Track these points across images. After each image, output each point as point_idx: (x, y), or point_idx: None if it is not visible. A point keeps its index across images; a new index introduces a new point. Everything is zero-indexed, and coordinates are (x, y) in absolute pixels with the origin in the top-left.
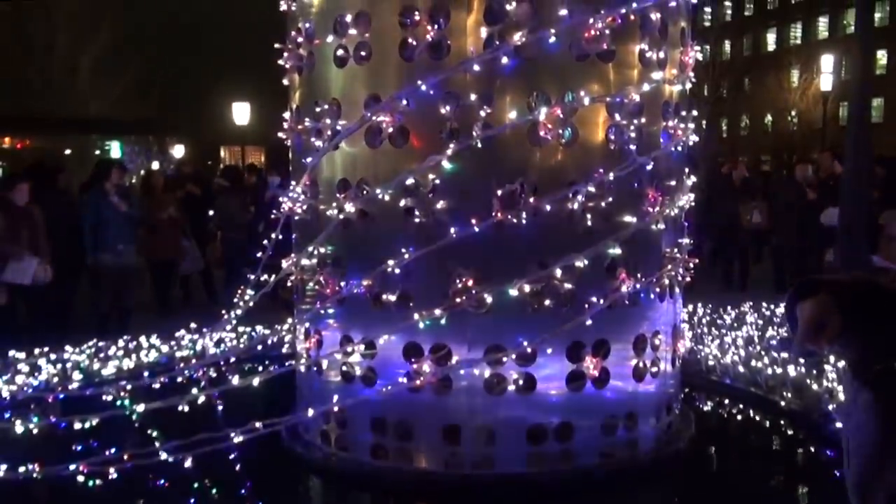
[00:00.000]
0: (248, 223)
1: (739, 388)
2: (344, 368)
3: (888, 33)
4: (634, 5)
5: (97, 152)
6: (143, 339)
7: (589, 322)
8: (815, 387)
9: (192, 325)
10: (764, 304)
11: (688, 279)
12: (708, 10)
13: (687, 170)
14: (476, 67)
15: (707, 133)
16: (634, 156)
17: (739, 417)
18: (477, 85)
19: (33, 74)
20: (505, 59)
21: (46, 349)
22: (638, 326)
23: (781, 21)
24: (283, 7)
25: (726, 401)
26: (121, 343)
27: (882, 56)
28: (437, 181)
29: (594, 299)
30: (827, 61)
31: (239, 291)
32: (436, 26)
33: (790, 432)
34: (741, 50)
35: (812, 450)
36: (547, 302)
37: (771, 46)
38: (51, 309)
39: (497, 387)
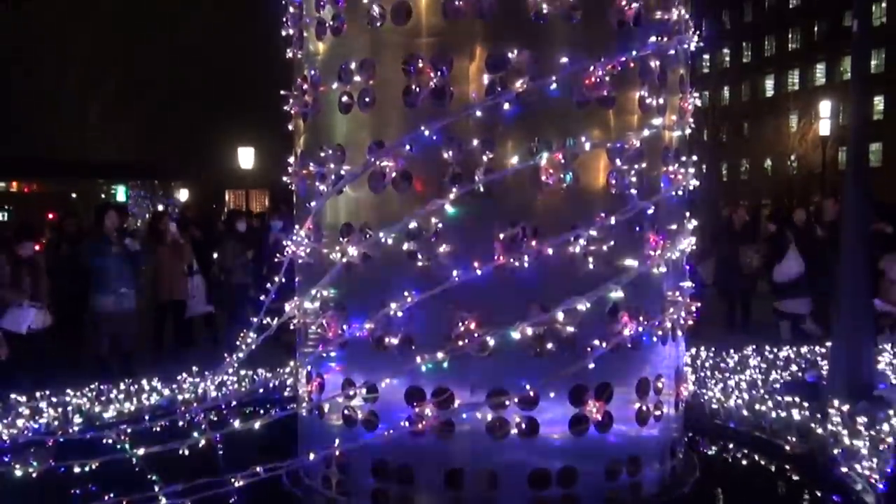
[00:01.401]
0: (247, 267)
1: (743, 432)
2: (346, 412)
3: (884, 79)
4: (634, 53)
5: (102, 196)
6: (144, 381)
7: (591, 365)
8: (820, 430)
9: (194, 368)
10: (767, 348)
11: (690, 322)
12: (706, 56)
13: (688, 214)
14: (478, 113)
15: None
16: (635, 200)
17: (744, 462)
18: (479, 130)
19: (43, 119)
20: (507, 106)
21: (47, 392)
22: (640, 370)
23: (779, 67)
24: (290, 55)
25: (730, 445)
26: (122, 386)
27: (879, 102)
28: (440, 225)
29: (596, 342)
30: (825, 107)
31: (241, 334)
32: (439, 73)
33: (795, 477)
34: (740, 95)
35: (818, 495)
36: (549, 345)
37: (769, 92)
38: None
39: (499, 431)
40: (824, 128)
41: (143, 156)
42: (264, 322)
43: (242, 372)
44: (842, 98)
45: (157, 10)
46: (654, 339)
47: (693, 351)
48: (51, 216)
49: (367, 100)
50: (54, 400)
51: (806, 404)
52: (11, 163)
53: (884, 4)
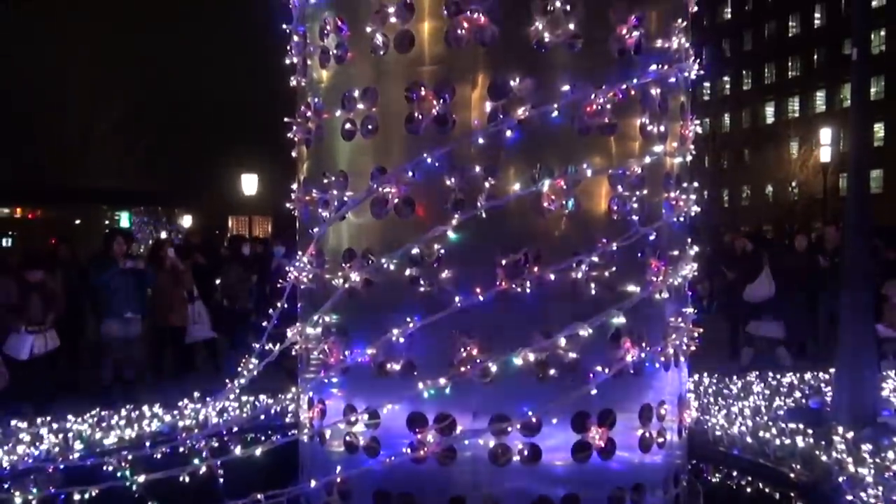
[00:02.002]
0: (250, 292)
1: (747, 459)
2: (347, 438)
3: (884, 107)
4: (635, 81)
5: (106, 222)
6: (145, 407)
7: (594, 391)
8: (824, 458)
9: (195, 394)
10: (770, 374)
11: (692, 348)
12: (707, 84)
13: (689, 240)
14: (480, 140)
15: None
16: (637, 226)
17: (748, 489)
18: (481, 157)
19: (47, 147)
20: (509, 133)
21: (48, 418)
22: (643, 396)
23: (779, 95)
24: (293, 83)
25: (734, 472)
26: (123, 412)
27: (879, 129)
28: (442, 251)
29: (599, 368)
30: (825, 134)
31: (243, 360)
32: (441, 100)
33: None
34: (741, 122)
35: None
36: (552, 371)
37: (770, 119)
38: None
39: (502, 457)
40: (825, 154)
41: (146, 182)
42: (266, 347)
43: (244, 398)
44: (842, 125)
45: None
46: (657, 364)
47: (696, 377)
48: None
49: (370, 127)
50: (55, 426)
51: (810, 431)
52: (16, 189)
53: (882, 33)
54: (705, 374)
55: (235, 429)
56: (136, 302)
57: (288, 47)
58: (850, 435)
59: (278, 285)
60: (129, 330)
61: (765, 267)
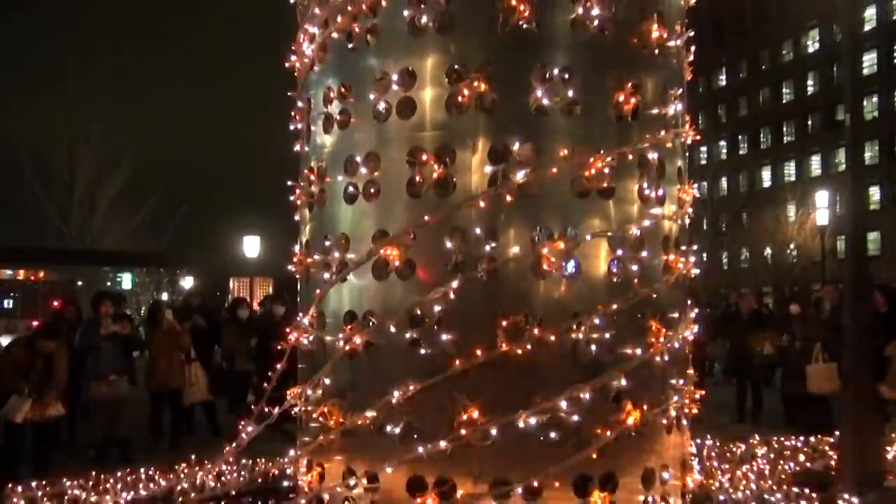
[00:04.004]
0: (250, 353)
1: None
2: (346, 502)
3: (879, 170)
4: (632, 146)
5: (108, 283)
6: (141, 470)
7: (595, 455)
8: None
9: (193, 457)
10: (775, 438)
11: (695, 410)
12: (703, 149)
13: (689, 302)
14: (481, 203)
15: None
16: (637, 288)
17: None
18: (482, 220)
19: (52, 210)
20: (508, 196)
21: (43, 482)
22: (645, 459)
23: (775, 159)
24: (297, 148)
25: None
26: (119, 475)
27: (875, 192)
28: (443, 313)
29: (600, 431)
30: (822, 197)
31: (241, 423)
32: (442, 165)
33: None
34: (738, 186)
35: None
36: (553, 434)
37: (766, 183)
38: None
39: None
40: (822, 217)
41: (149, 243)
42: (265, 410)
43: (242, 461)
44: (838, 188)
45: (169, 105)
46: (659, 427)
47: (700, 440)
48: (56, 304)
49: (371, 191)
50: (49, 489)
51: (815, 496)
52: (18, 252)
53: (875, 99)
54: (708, 437)
55: (233, 492)
56: (122, 364)
57: (292, 113)
58: (855, 500)
59: (278, 347)
60: (115, 392)
61: None
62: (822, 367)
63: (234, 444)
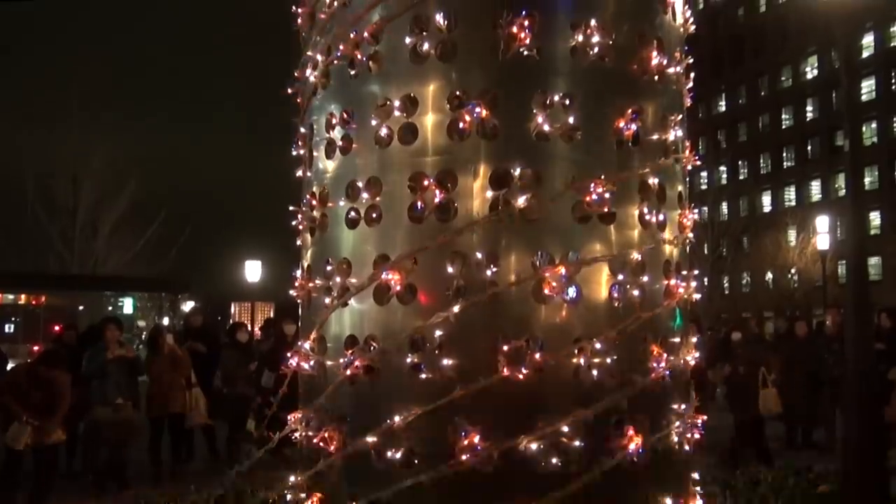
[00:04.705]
0: (250, 378)
1: None
2: None
3: (879, 195)
4: (633, 171)
5: (110, 308)
6: (140, 496)
7: (597, 480)
8: None
9: (192, 486)
10: (777, 465)
11: (697, 436)
12: (704, 174)
13: (691, 327)
14: (482, 228)
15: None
16: (638, 313)
17: None
18: (483, 245)
19: (55, 234)
20: (510, 222)
21: None
22: (648, 486)
23: (775, 184)
24: (299, 174)
25: None
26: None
27: (875, 217)
28: (444, 338)
29: (602, 457)
30: (822, 222)
31: (241, 448)
32: (444, 190)
33: None
34: (738, 211)
35: None
36: (554, 460)
37: (767, 208)
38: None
39: None
40: (823, 242)
41: (151, 268)
42: (265, 434)
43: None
44: (838, 213)
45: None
46: (661, 453)
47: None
48: (57, 328)
49: (373, 215)
50: None
51: None
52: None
53: (874, 125)
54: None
55: None
56: (127, 388)
57: (295, 139)
58: None
59: (280, 372)
60: (119, 415)
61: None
62: (771, 392)
63: (234, 469)
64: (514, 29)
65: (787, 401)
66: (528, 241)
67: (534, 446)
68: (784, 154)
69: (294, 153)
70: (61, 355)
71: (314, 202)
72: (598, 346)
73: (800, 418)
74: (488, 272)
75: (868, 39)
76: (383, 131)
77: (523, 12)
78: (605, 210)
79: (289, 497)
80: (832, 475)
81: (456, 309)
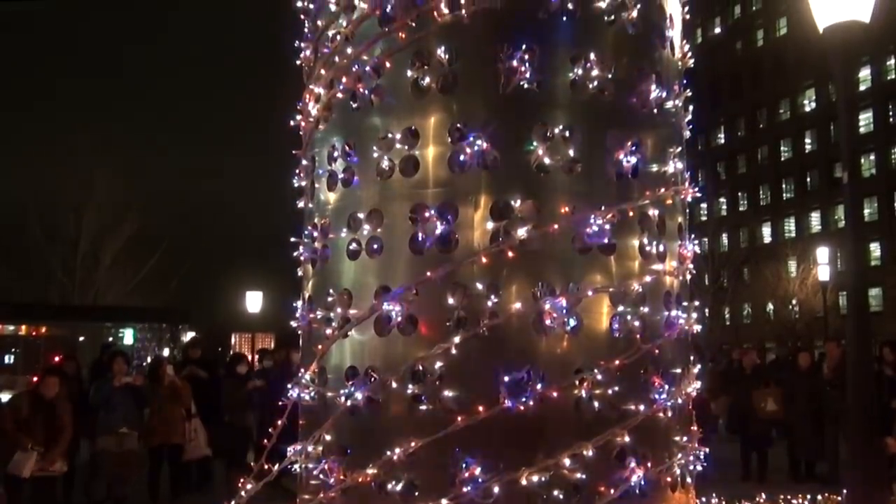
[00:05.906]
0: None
1: None
2: None
3: (879, 227)
4: (633, 203)
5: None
6: None
7: None
8: None
9: None
10: (781, 497)
11: (700, 468)
12: (704, 206)
13: (692, 357)
14: (483, 259)
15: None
16: (639, 344)
17: None
18: (484, 276)
19: (56, 264)
20: (510, 252)
21: None
22: None
23: (775, 216)
24: (301, 205)
25: None
26: None
27: (875, 248)
28: (444, 369)
29: (604, 489)
30: (822, 253)
31: (240, 479)
32: (445, 222)
33: None
34: (738, 242)
35: None
36: (555, 492)
37: (767, 239)
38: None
39: None
40: (823, 273)
41: (152, 299)
42: (265, 466)
43: None
44: (838, 244)
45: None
46: (663, 485)
47: (704, 499)
48: (56, 359)
49: (374, 247)
50: None
51: None
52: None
53: (872, 157)
54: (713, 496)
55: None
56: (133, 418)
57: (296, 171)
58: None
59: (279, 402)
60: (123, 445)
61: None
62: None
63: (233, 501)
64: (515, 63)
65: (790, 433)
66: (529, 272)
67: (535, 478)
68: (783, 185)
69: (296, 185)
70: (61, 371)
71: (316, 233)
72: (599, 377)
73: (803, 451)
74: (489, 303)
75: (864, 73)
76: (385, 163)
77: (523, 46)
78: (606, 241)
79: None
80: None
81: (457, 340)
